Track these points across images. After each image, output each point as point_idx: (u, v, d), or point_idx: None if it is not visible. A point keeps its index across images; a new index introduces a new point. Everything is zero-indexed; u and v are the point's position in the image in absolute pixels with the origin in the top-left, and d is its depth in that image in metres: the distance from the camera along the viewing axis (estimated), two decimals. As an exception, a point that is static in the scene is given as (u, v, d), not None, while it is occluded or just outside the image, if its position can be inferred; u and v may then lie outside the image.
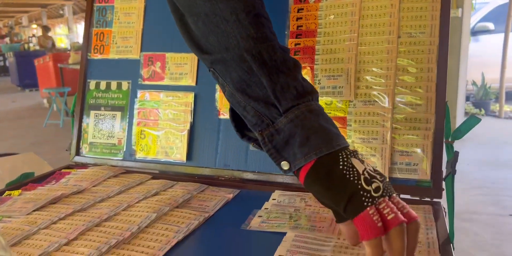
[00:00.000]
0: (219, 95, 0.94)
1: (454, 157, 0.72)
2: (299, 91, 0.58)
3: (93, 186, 0.87)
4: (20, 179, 0.93)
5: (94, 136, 1.05)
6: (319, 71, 0.85)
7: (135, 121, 1.01)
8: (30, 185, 0.89)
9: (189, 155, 0.95)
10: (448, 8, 0.79)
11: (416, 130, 0.78)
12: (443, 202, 0.75)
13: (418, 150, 0.78)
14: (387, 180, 0.54)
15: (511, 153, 3.87)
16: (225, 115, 0.93)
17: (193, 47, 0.64)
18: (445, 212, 0.72)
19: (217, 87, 0.94)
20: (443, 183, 0.75)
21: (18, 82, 9.95)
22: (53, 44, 11.08)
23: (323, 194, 0.54)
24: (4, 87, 10.63)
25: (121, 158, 1.01)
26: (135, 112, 1.01)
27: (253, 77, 0.58)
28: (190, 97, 0.96)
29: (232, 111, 0.65)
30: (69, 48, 11.86)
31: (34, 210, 0.75)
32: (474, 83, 5.66)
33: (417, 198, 0.77)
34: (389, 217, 0.50)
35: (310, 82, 0.72)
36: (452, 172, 0.71)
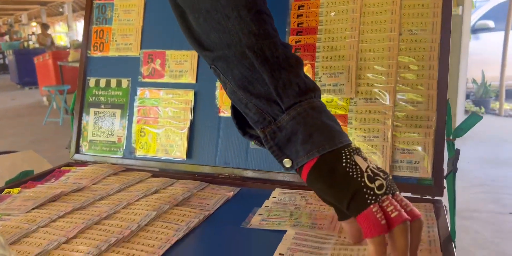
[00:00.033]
0: (219, 92, 0.93)
1: (455, 155, 0.71)
2: (301, 88, 0.57)
3: (93, 184, 0.87)
4: (19, 177, 0.93)
5: (94, 134, 1.04)
6: (320, 68, 0.85)
7: (135, 119, 1.00)
8: (29, 183, 0.88)
9: (189, 153, 0.95)
10: (450, 5, 0.78)
11: (417, 128, 0.78)
12: (444, 200, 0.75)
13: (419, 148, 0.78)
14: (390, 177, 0.53)
15: (511, 151, 3.87)
16: (225, 113, 0.92)
17: (194, 44, 0.64)
18: (446, 210, 0.72)
19: (218, 84, 0.93)
20: (444, 181, 0.75)
21: (18, 80, 9.94)
22: (52, 42, 11.06)
23: (325, 191, 0.54)
24: (3, 85, 10.62)
25: (121, 156, 1.01)
26: (135, 109, 1.00)
27: (255, 74, 0.58)
28: (190, 94, 0.96)
29: (233, 109, 0.65)
30: (68, 46, 11.85)
31: (33, 208, 0.75)
32: (474, 81, 5.65)
33: (418, 196, 0.77)
34: (392, 215, 0.50)
35: (311, 79, 0.72)
36: (453, 170, 0.70)
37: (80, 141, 1.06)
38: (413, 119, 0.79)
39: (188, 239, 0.64)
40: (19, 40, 13.28)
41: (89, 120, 1.05)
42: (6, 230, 0.66)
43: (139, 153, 0.99)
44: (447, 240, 0.60)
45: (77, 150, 1.06)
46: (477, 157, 3.54)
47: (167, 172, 0.97)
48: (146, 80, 1.00)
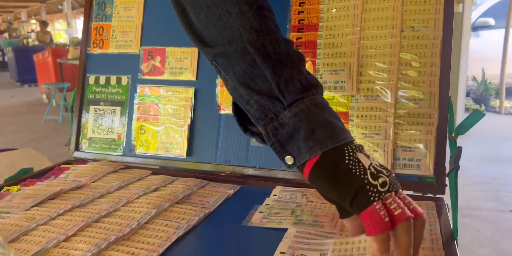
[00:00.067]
0: (219, 90, 0.93)
1: (457, 152, 0.71)
2: (303, 84, 0.57)
3: (93, 182, 0.87)
4: (18, 174, 0.92)
5: (94, 131, 1.04)
6: (321, 65, 0.84)
7: (134, 116, 1.00)
8: (29, 180, 0.88)
9: (189, 151, 0.94)
10: (452, 2, 0.78)
11: (419, 125, 0.78)
12: (446, 198, 0.74)
13: (421, 146, 0.77)
14: (393, 175, 0.53)
15: (511, 149, 3.87)
16: (225, 110, 0.92)
17: (195, 40, 0.63)
18: (448, 208, 0.71)
19: (218, 81, 0.93)
20: (446, 179, 0.75)
21: (17, 77, 9.92)
22: (51, 39, 11.04)
23: (328, 189, 0.54)
24: (3, 82, 10.60)
25: (121, 154, 1.01)
26: (135, 107, 1.00)
27: (257, 70, 0.57)
28: (190, 92, 0.95)
29: (234, 105, 0.64)
30: (68, 43, 11.83)
31: (32, 206, 0.74)
32: (474, 79, 5.64)
33: (420, 194, 0.76)
34: (396, 213, 0.49)
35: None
36: (455, 167, 0.70)
37: (80, 139, 1.05)
38: (415, 117, 0.78)
39: (189, 237, 0.64)
40: (19, 38, 13.24)
41: (88, 117, 1.05)
42: (5, 228, 0.66)
43: (139, 150, 0.99)
44: (450, 238, 0.60)
45: (77, 148, 1.05)
46: (477, 155, 3.54)
47: (167, 169, 0.96)
48: (146, 77, 1.00)
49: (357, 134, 0.81)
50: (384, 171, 0.52)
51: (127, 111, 1.01)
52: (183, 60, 0.96)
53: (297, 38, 0.86)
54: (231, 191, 0.81)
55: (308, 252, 0.57)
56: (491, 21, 5.97)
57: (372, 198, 0.50)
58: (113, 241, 0.61)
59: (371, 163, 0.53)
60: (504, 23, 5.38)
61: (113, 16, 1.04)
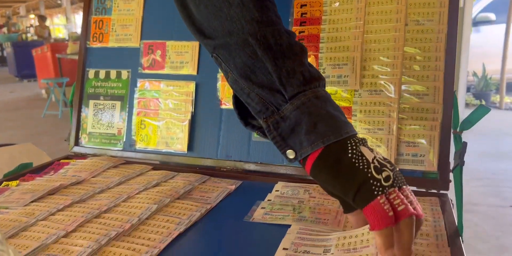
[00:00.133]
0: (221, 84, 0.92)
1: (462, 148, 0.70)
2: (305, 77, 0.56)
3: (93, 177, 0.86)
4: (18, 169, 0.91)
5: (94, 126, 1.03)
6: (324, 59, 0.83)
7: (135, 111, 0.99)
8: (28, 175, 0.87)
9: (190, 146, 0.94)
10: (457, -5, 0.77)
11: (423, 121, 0.77)
12: (449, 194, 0.74)
13: (425, 141, 0.76)
14: (397, 169, 0.52)
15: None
16: (227, 105, 0.91)
17: (195, 32, 0.62)
18: (452, 204, 0.71)
19: (219, 76, 0.92)
20: (450, 174, 0.74)
21: (16, 72, 9.90)
22: (49, 34, 11.01)
23: (330, 183, 0.53)
24: (2, 77, 10.58)
25: (121, 149, 1.00)
26: (135, 101, 0.99)
27: (258, 62, 0.56)
28: (191, 86, 0.94)
29: (235, 98, 0.63)
30: (67, 38, 11.78)
31: (32, 201, 0.74)
32: (474, 74, 5.63)
33: (424, 190, 0.76)
34: (399, 209, 0.48)
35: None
36: (460, 163, 0.69)
37: (80, 134, 1.04)
38: (419, 112, 0.77)
39: (190, 233, 0.63)
40: (17, 33, 13.19)
41: (88, 112, 1.04)
42: (4, 223, 0.65)
43: (139, 145, 0.98)
44: (454, 235, 0.59)
45: (77, 143, 1.04)
46: (477, 150, 3.54)
47: (167, 165, 0.95)
48: (146, 71, 0.99)
49: (360, 129, 0.80)
50: (388, 165, 0.51)
51: (127, 106, 1.00)
52: (183, 54, 0.95)
53: (300, 32, 0.85)
54: (233, 187, 0.80)
55: (312, 248, 0.56)
56: (492, 16, 5.95)
57: (375, 192, 0.49)
58: (114, 237, 0.61)
59: (374, 157, 0.52)
60: (505, 18, 5.36)
61: (112, 9, 1.03)
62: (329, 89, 0.81)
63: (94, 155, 1.01)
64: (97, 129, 1.02)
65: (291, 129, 0.55)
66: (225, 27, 0.57)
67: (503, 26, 5.39)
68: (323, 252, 0.55)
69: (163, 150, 0.96)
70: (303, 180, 0.81)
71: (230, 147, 0.90)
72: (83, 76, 1.05)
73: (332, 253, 0.54)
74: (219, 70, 0.62)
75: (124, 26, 1.01)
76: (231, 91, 0.63)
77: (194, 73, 0.94)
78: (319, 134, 0.53)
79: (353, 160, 0.51)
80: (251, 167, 0.88)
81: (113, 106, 1.01)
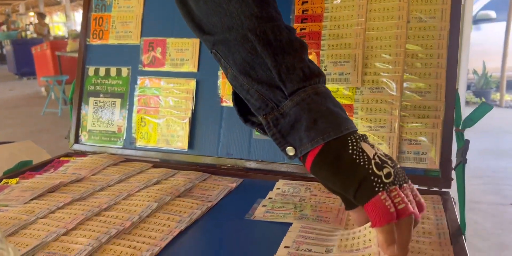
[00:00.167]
0: (221, 81, 0.91)
1: (465, 145, 0.70)
2: (305, 73, 0.55)
3: (93, 175, 0.85)
4: (17, 167, 0.91)
5: (94, 124, 1.02)
6: (325, 57, 0.82)
7: (135, 108, 0.98)
8: (27, 173, 0.87)
9: (190, 144, 0.93)
10: (460, -8, 0.76)
11: (425, 118, 0.76)
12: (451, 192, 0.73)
13: (427, 139, 0.76)
14: (398, 166, 0.52)
15: (512, 142, 3.87)
16: (227, 102, 0.90)
17: (194, 28, 0.61)
18: (454, 202, 0.70)
19: (220, 73, 0.91)
20: (453, 172, 0.74)
21: (16, 70, 9.88)
22: (49, 31, 10.99)
23: (331, 180, 0.52)
24: (1, 75, 10.56)
25: (121, 146, 0.99)
26: (135, 99, 0.98)
27: (257, 58, 0.56)
28: (191, 83, 0.94)
29: (235, 95, 0.63)
30: (66, 36, 11.77)
31: (31, 199, 0.73)
32: (475, 72, 5.63)
33: (425, 188, 0.75)
34: (399, 207, 0.48)
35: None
36: (462, 161, 0.69)
37: (80, 131, 1.04)
38: (421, 109, 0.77)
39: (191, 231, 0.63)
40: (17, 30, 13.17)
41: (88, 109, 1.03)
42: (4, 221, 0.65)
43: (139, 143, 0.97)
44: (457, 233, 0.59)
45: (77, 140, 1.04)
46: (477, 148, 3.53)
47: (168, 162, 0.95)
48: (147, 68, 0.98)
49: (362, 127, 0.79)
50: (389, 162, 0.51)
51: (127, 103, 1.00)
52: (184, 51, 0.94)
53: (301, 29, 0.85)
54: (234, 185, 0.80)
55: (313, 247, 0.56)
56: (492, 13, 5.94)
57: (376, 189, 0.48)
58: (114, 234, 0.60)
59: (375, 153, 0.51)
60: (505, 16, 5.36)
61: (112, 6, 1.02)
62: (330, 86, 0.81)
63: (94, 152, 1.00)
64: (97, 126, 1.02)
65: (291, 125, 0.55)
66: (224, 22, 0.57)
67: (503, 24, 5.38)
68: (325, 251, 0.55)
69: (163, 148, 0.95)
70: (304, 178, 0.81)
71: (230, 145, 0.90)
72: (83, 73, 1.04)
73: (335, 254, 0.54)
74: (220, 67, 0.61)
75: (124, 23, 1.00)
76: (232, 88, 0.62)
77: (195, 70, 0.94)
78: (319, 131, 0.53)
79: (354, 156, 0.51)
80: (252, 165, 0.88)
81: (113, 103, 1.01)
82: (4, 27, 15.24)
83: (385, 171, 0.49)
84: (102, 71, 1.03)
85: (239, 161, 0.89)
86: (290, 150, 0.55)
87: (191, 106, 0.93)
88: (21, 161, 0.92)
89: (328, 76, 0.82)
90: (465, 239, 0.58)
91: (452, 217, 0.64)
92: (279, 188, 0.77)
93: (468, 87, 5.59)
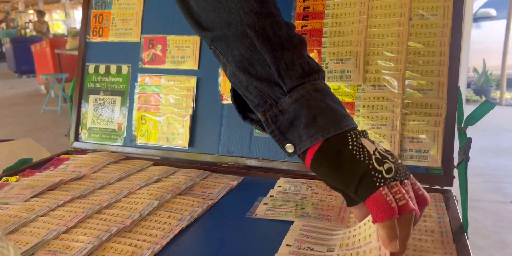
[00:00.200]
0: (222, 79, 0.91)
1: (467, 143, 0.69)
2: (304, 69, 0.55)
3: (93, 173, 0.85)
4: (17, 165, 0.91)
5: (94, 122, 1.02)
6: (327, 54, 0.82)
7: (135, 106, 0.98)
8: (27, 171, 0.86)
9: (191, 141, 0.93)
10: (462, -11, 0.76)
11: (426, 116, 0.76)
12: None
13: (429, 137, 0.75)
14: (399, 161, 0.51)
15: (512, 140, 3.86)
16: (228, 100, 0.90)
17: (193, 24, 0.61)
18: (456, 200, 0.70)
19: (220, 71, 0.91)
20: (455, 170, 0.73)
21: (15, 68, 9.87)
22: (48, 29, 10.98)
23: (331, 176, 0.52)
24: (1, 73, 10.55)
25: (121, 144, 0.99)
26: (136, 96, 0.98)
27: (256, 54, 0.55)
28: (192, 81, 0.93)
29: (233, 92, 0.62)
30: (66, 33, 11.75)
31: (32, 197, 0.73)
32: (475, 70, 5.62)
33: (427, 186, 0.75)
34: (400, 203, 0.47)
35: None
36: (465, 159, 0.68)
37: (80, 129, 1.03)
38: (423, 107, 0.76)
39: (192, 229, 0.63)
40: (16, 28, 13.15)
41: (88, 107, 1.03)
42: (4, 219, 0.64)
43: (139, 141, 0.97)
44: (460, 231, 0.58)
45: (77, 138, 1.03)
46: (477, 146, 3.53)
47: (168, 160, 0.95)
48: (147, 66, 0.98)
49: (363, 125, 0.79)
50: (390, 157, 0.50)
51: (128, 101, 0.99)
52: (184, 48, 0.94)
53: (302, 26, 0.84)
54: (234, 183, 0.79)
55: (315, 245, 0.55)
56: (493, 11, 5.93)
57: (377, 184, 0.48)
58: (115, 232, 0.60)
59: (376, 149, 0.51)
60: (505, 13, 5.35)
61: (112, 3, 1.01)
62: (332, 84, 0.81)
63: (94, 150, 1.00)
64: (97, 124, 1.02)
65: (290, 122, 0.55)
66: (223, 18, 0.56)
67: (503, 22, 5.38)
68: (327, 250, 0.54)
69: (163, 146, 0.95)
70: (305, 176, 0.81)
71: (231, 143, 0.90)
72: (83, 71, 1.04)
73: (337, 252, 0.53)
74: (219, 64, 0.61)
75: (124, 20, 1.00)
76: (231, 85, 0.62)
77: (195, 68, 0.93)
78: (318, 128, 0.52)
79: (354, 152, 0.50)
80: (253, 163, 0.87)
81: (113, 101, 1.00)
82: (3, 25, 15.21)
83: (386, 166, 0.49)
84: (102, 68, 1.02)
85: (240, 159, 0.88)
86: (289, 147, 0.55)
87: (191, 103, 0.93)
88: (21, 159, 0.92)
89: (330, 74, 0.81)
90: (467, 237, 0.58)
91: (454, 215, 0.63)
92: (280, 186, 0.77)
93: (468, 85, 5.59)
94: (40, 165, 0.91)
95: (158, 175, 0.82)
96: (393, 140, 0.77)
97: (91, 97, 1.03)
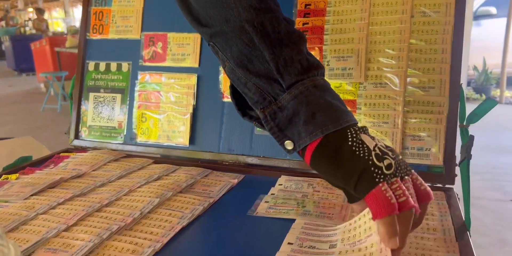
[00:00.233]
0: (223, 77, 0.90)
1: (469, 141, 0.69)
2: (303, 65, 0.54)
3: (93, 170, 0.85)
4: (17, 162, 0.90)
5: (94, 119, 1.02)
6: (328, 52, 0.82)
7: (135, 104, 0.97)
8: (27, 169, 0.86)
9: (192, 139, 0.92)
10: (464, -14, 0.75)
11: (428, 114, 0.76)
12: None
13: (431, 135, 0.75)
14: (400, 157, 0.51)
15: (512, 138, 3.86)
16: (229, 98, 0.89)
17: (192, 21, 0.61)
18: (458, 198, 0.70)
19: (221, 68, 0.90)
20: (457, 168, 0.73)
21: (15, 66, 9.85)
22: (47, 26, 10.96)
23: (331, 173, 0.51)
24: (0, 71, 10.54)
25: (122, 142, 0.99)
26: (136, 94, 0.98)
27: (255, 50, 0.55)
28: (193, 79, 0.93)
29: (232, 88, 0.62)
30: (65, 31, 11.73)
31: (32, 195, 0.73)
32: (475, 68, 5.62)
33: (429, 184, 0.74)
34: (400, 200, 0.47)
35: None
36: (467, 157, 0.68)
37: (80, 127, 1.03)
38: (424, 105, 0.76)
39: (193, 227, 0.62)
40: (16, 26, 13.12)
41: (88, 105, 1.03)
42: (4, 217, 0.64)
43: (140, 139, 0.96)
44: (462, 229, 0.58)
45: (77, 136, 1.03)
46: (477, 144, 3.48)
47: (169, 158, 0.94)
48: (147, 63, 0.97)
49: (365, 123, 0.79)
50: (390, 153, 0.50)
51: (128, 99, 0.99)
52: (185, 46, 0.94)
53: (304, 24, 0.84)
54: (235, 181, 0.79)
55: (317, 243, 0.55)
56: (493, 10, 5.93)
57: (377, 180, 0.47)
58: (115, 231, 0.60)
59: (376, 144, 0.50)
60: (505, 12, 5.34)
61: (113, 0, 1.01)
62: (333, 81, 0.80)
63: (94, 148, 1.00)
64: (97, 122, 1.01)
65: (289, 119, 0.54)
66: (221, 14, 0.56)
67: (504, 20, 5.37)
68: (329, 247, 0.54)
69: (164, 144, 0.94)
70: (306, 174, 0.80)
71: (232, 141, 0.89)
72: (83, 68, 1.03)
73: (339, 249, 0.53)
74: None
75: (124, 17, 0.99)
76: (230, 81, 0.61)
77: (196, 65, 0.93)
78: (317, 124, 0.52)
79: (354, 148, 0.50)
80: (254, 161, 0.87)
81: (114, 99, 1.00)
82: (2, 23, 15.18)
83: (386, 162, 0.48)
84: (102, 66, 1.02)
85: (241, 157, 0.88)
86: (289, 144, 0.55)
87: (192, 101, 0.92)
88: (21, 157, 0.92)
89: (331, 71, 0.81)
90: (470, 236, 0.57)
91: (457, 214, 0.63)
92: (281, 184, 0.76)
93: (468, 84, 5.58)
94: (40, 163, 0.91)
95: (158, 173, 0.82)
96: (394, 138, 0.76)
97: (91, 95, 1.02)
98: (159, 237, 0.58)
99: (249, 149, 0.88)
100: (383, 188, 0.47)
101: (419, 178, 0.51)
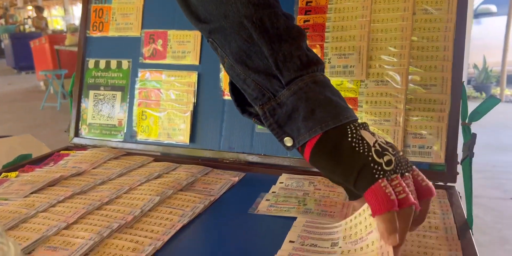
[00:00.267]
0: (223, 74, 0.90)
1: (472, 139, 0.69)
2: (303, 61, 0.54)
3: (93, 168, 0.84)
4: (17, 160, 0.90)
5: (94, 117, 1.01)
6: (330, 49, 0.81)
7: (136, 101, 0.97)
8: (27, 166, 0.86)
9: (192, 137, 0.92)
10: (466, -17, 0.75)
11: (430, 112, 0.75)
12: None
13: (432, 133, 0.75)
14: (401, 154, 0.50)
15: (512, 137, 3.86)
16: (229, 95, 0.89)
17: (191, 17, 0.60)
18: (460, 197, 0.69)
19: (222, 66, 0.90)
20: (459, 166, 0.73)
21: (14, 64, 9.85)
22: (46, 24, 10.95)
23: (331, 169, 0.51)
24: None
25: (122, 140, 0.98)
26: (136, 92, 0.97)
27: (254, 46, 0.55)
28: (193, 76, 0.92)
29: (232, 85, 0.62)
30: (65, 29, 11.71)
31: (31, 193, 0.72)
32: (475, 66, 5.61)
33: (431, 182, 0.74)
34: (400, 197, 0.46)
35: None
36: (469, 155, 0.68)
37: (80, 125, 1.03)
38: (426, 103, 0.76)
39: (194, 225, 0.62)
40: (15, 24, 13.10)
41: (88, 102, 1.02)
42: (4, 215, 0.64)
43: (140, 137, 0.96)
44: (464, 228, 0.58)
45: (76, 134, 1.03)
46: (478, 143, 3.51)
47: (169, 156, 0.94)
48: (148, 61, 0.97)
49: (366, 121, 0.78)
50: (390, 149, 0.49)
51: (128, 96, 0.98)
52: (185, 43, 0.93)
53: (305, 21, 0.83)
54: (236, 179, 0.79)
55: (319, 241, 0.55)
56: (493, 8, 5.92)
57: (376, 176, 0.47)
58: (116, 229, 0.59)
59: (376, 140, 0.50)
60: (506, 10, 5.33)
61: (113, -2, 1.01)
62: (334, 79, 0.80)
63: (94, 146, 0.99)
64: (97, 120, 1.01)
65: (288, 115, 0.54)
66: (220, 10, 0.55)
67: (504, 18, 5.36)
68: (331, 245, 0.54)
69: (164, 142, 0.94)
70: (307, 172, 0.80)
71: (232, 139, 0.89)
72: (82, 66, 1.03)
73: (340, 247, 0.53)
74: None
75: (124, 14, 0.99)
76: (229, 78, 0.61)
77: (196, 63, 0.92)
78: (317, 120, 0.51)
79: (353, 144, 0.49)
80: (254, 159, 0.87)
81: (114, 96, 1.00)
82: (2, 21, 15.16)
83: (386, 158, 0.48)
84: (102, 63, 1.01)
85: (241, 155, 0.88)
86: (288, 141, 0.54)
87: (192, 99, 0.92)
88: (20, 155, 0.91)
89: (332, 69, 0.80)
90: (472, 234, 0.57)
91: (459, 212, 0.63)
92: (282, 182, 0.76)
93: (468, 82, 5.58)
94: (40, 161, 0.90)
95: (159, 171, 0.81)
96: (396, 136, 0.76)
97: (91, 92, 1.02)
98: (160, 235, 0.58)
99: (249, 147, 0.87)
100: (382, 184, 0.47)
101: (421, 174, 0.50)
